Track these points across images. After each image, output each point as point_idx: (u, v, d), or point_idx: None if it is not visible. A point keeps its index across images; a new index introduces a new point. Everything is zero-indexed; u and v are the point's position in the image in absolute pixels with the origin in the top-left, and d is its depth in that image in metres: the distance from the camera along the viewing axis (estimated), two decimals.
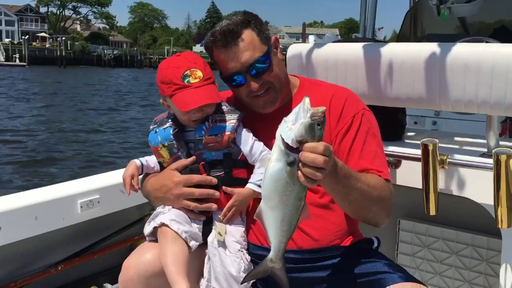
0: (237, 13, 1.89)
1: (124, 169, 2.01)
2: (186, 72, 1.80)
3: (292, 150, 1.39)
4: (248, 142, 1.88)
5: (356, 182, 1.66)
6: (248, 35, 1.83)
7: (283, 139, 1.40)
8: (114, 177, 2.76)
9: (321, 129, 1.39)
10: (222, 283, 1.77)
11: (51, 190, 2.63)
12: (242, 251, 1.82)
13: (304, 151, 1.37)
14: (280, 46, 1.98)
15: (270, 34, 1.91)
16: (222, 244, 1.81)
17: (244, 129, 1.90)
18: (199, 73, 1.81)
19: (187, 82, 1.79)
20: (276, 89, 1.90)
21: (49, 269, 2.60)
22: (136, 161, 1.99)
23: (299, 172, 1.39)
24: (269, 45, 1.89)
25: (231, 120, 1.87)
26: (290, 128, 1.39)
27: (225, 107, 1.91)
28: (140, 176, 2.01)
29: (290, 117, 1.41)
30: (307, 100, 1.40)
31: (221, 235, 1.82)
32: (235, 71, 1.85)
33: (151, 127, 1.96)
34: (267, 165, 1.45)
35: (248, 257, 1.83)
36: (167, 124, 1.90)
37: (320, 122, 1.38)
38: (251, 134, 1.90)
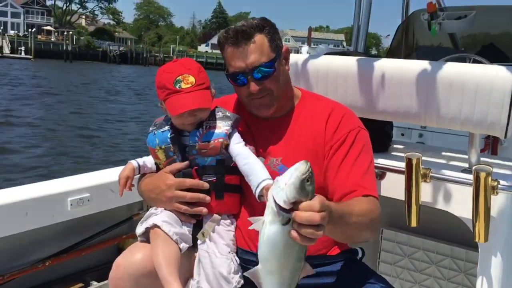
0: (255, 18, 1.92)
1: (115, 168, 2.05)
2: (178, 78, 1.84)
3: (285, 210, 1.32)
4: (236, 143, 1.90)
5: (350, 217, 1.61)
6: (259, 39, 1.85)
7: (275, 201, 1.33)
8: (105, 176, 2.81)
9: (310, 184, 1.32)
10: (212, 284, 1.80)
11: (42, 186, 2.68)
12: (232, 254, 1.86)
13: (298, 212, 1.30)
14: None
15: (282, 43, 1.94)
16: (212, 246, 1.84)
17: (237, 134, 1.93)
18: (191, 79, 1.85)
19: (178, 87, 1.83)
20: (274, 96, 1.93)
21: (36, 264, 2.64)
22: (133, 163, 2.03)
23: (295, 233, 1.31)
24: (278, 54, 1.90)
25: (224, 127, 1.89)
26: (282, 188, 1.32)
27: (220, 113, 1.93)
28: (138, 176, 2.06)
29: (283, 177, 1.35)
30: (298, 164, 1.35)
31: (203, 236, 1.86)
32: (239, 70, 1.87)
33: (150, 128, 2.00)
34: (261, 228, 1.38)
35: (238, 259, 1.87)
36: (165, 128, 1.94)
37: (309, 177, 1.32)
38: (242, 141, 1.92)
